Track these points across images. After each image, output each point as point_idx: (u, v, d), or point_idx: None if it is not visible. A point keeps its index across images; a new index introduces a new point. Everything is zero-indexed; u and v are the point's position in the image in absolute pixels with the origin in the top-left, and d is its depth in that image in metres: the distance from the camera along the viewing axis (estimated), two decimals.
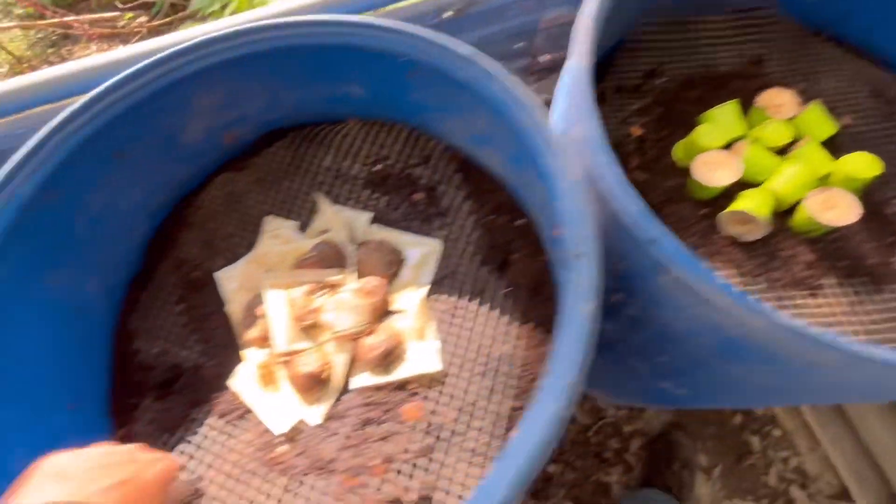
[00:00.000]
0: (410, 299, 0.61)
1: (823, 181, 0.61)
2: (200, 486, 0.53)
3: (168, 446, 0.57)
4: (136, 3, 2.05)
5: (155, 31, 2.03)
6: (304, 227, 0.67)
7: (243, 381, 0.59)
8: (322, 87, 0.65)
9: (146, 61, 0.54)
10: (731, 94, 0.69)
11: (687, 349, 0.51)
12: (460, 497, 0.52)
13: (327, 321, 0.59)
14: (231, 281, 0.64)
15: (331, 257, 0.62)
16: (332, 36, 0.58)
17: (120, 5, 2.00)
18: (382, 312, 0.61)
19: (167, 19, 2.02)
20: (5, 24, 2.07)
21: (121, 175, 0.61)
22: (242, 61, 0.58)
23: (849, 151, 0.63)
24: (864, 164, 0.59)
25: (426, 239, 0.65)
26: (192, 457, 0.56)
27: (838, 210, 0.57)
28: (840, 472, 1.13)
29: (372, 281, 0.61)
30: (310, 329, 0.60)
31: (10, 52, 1.96)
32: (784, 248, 0.60)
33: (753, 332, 0.39)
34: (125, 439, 0.59)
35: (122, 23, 2.00)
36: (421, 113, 0.67)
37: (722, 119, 0.65)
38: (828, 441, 1.14)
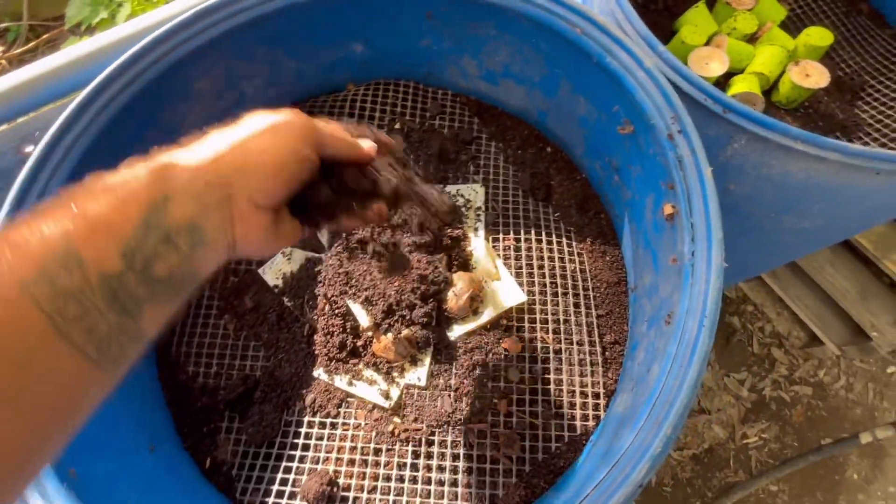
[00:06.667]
0: (473, 245, 0.61)
1: (791, 56, 0.70)
2: (330, 478, 0.50)
3: (272, 459, 0.53)
4: None
5: (18, 62, 1.75)
6: None
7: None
8: (324, 49, 0.61)
9: (146, 40, 0.47)
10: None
11: (739, 217, 0.57)
12: (584, 405, 0.54)
13: None
14: (281, 274, 0.59)
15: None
16: None
17: None
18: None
19: (29, 45, 1.74)
20: None
21: None
22: (247, 28, 0.53)
23: (793, 32, 0.72)
24: (821, 36, 0.69)
25: (467, 186, 0.65)
26: (301, 459, 0.52)
27: (813, 77, 0.66)
28: (807, 323, 1.32)
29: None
30: None
31: None
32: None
33: (819, 171, 0.45)
34: (213, 470, 0.53)
35: None
36: (428, 61, 0.65)
37: (697, 19, 0.71)
38: (791, 301, 1.32)
